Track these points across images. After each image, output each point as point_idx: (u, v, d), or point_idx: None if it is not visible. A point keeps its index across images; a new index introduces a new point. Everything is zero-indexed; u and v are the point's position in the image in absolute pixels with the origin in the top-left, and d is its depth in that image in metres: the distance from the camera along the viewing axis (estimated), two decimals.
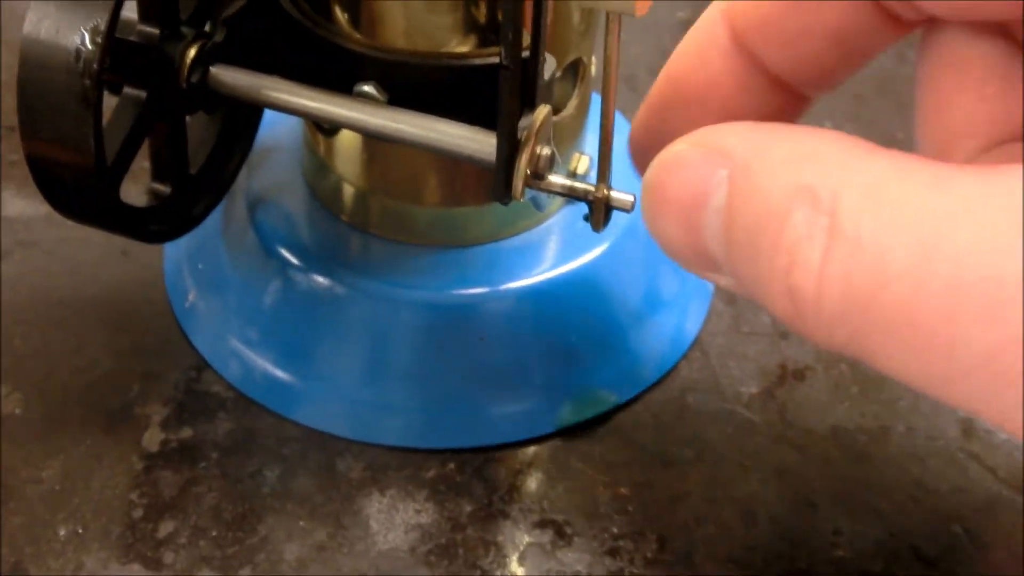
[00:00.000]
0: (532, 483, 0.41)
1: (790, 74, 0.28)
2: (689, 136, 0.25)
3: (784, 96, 0.29)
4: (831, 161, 0.22)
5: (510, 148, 0.35)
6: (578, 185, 0.36)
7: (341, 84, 0.38)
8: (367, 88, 0.38)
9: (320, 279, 0.43)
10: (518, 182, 0.35)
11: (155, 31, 0.38)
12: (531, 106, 0.36)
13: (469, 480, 0.41)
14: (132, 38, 0.38)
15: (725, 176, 0.23)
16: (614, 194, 0.36)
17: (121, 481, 0.40)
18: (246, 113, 0.43)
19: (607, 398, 0.43)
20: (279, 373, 0.43)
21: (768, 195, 0.22)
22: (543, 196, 0.37)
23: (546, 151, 0.36)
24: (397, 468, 0.41)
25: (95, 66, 0.35)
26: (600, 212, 0.36)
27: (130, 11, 0.38)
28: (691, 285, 0.47)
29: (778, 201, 0.22)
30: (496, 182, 0.36)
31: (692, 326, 0.46)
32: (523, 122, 0.37)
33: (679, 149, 0.25)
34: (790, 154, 0.23)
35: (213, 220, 0.45)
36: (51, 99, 0.35)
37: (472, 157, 0.37)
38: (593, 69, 0.43)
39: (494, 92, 0.35)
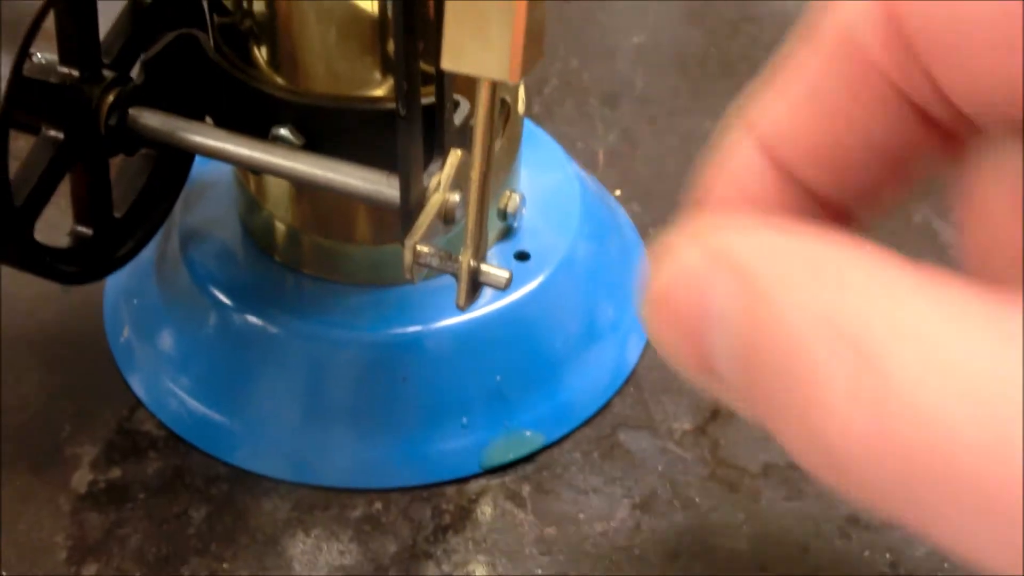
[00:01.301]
0: (458, 523, 0.41)
1: (835, 194, 0.24)
2: (691, 231, 0.22)
3: (835, 217, 0.25)
4: (864, 289, 0.19)
5: (413, 195, 0.35)
6: (450, 263, 0.35)
7: (258, 127, 0.39)
8: (283, 131, 0.38)
9: (252, 319, 0.43)
10: (415, 235, 0.35)
11: (75, 73, 0.38)
12: (441, 151, 0.36)
13: (395, 520, 0.41)
14: (51, 79, 0.38)
15: (735, 292, 0.20)
16: (486, 268, 0.35)
17: (47, 523, 0.40)
18: (176, 156, 0.43)
19: (534, 439, 0.43)
20: (211, 413, 0.43)
21: (790, 326, 0.19)
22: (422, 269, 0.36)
23: (454, 197, 0.36)
24: (323, 508, 0.41)
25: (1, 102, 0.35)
26: (465, 286, 0.35)
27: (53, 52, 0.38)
28: (629, 318, 0.47)
29: (801, 334, 0.19)
30: (404, 229, 0.36)
31: (628, 361, 0.46)
32: (433, 166, 0.37)
33: (683, 255, 0.22)
34: (813, 276, 0.19)
35: (148, 255, 0.45)
36: None
37: (385, 202, 0.37)
38: (521, 106, 0.43)
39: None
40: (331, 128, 0.38)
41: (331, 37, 0.38)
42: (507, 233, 0.44)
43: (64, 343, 0.46)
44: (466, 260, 0.35)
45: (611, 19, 0.63)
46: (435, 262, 0.35)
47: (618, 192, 0.53)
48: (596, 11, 0.63)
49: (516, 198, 0.44)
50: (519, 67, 0.31)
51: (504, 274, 0.35)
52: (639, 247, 0.50)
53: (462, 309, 0.36)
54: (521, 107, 0.43)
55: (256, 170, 0.39)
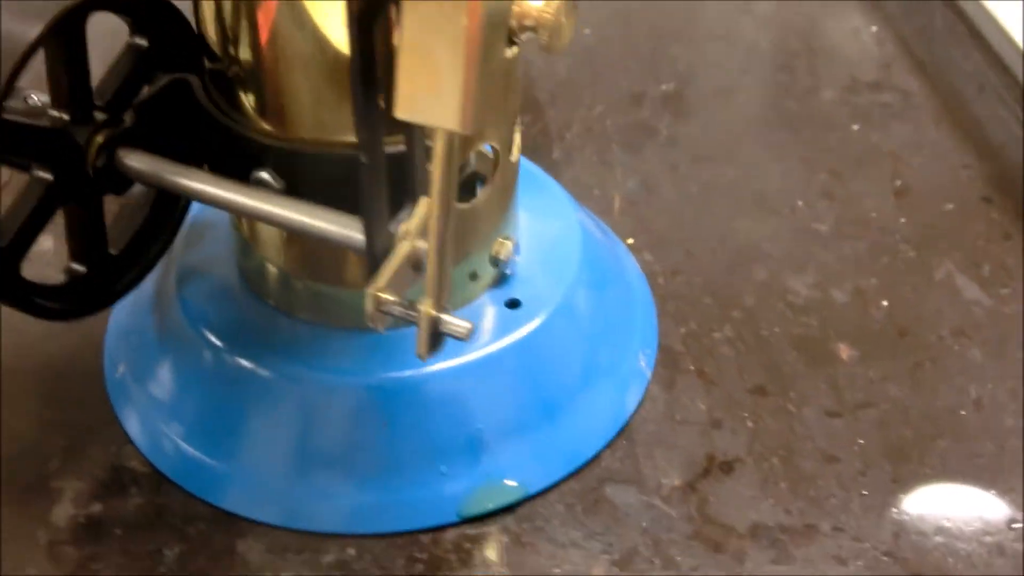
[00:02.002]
0: (430, 573, 0.40)
1: None
2: None
3: None
4: None
5: (378, 243, 0.35)
6: (411, 312, 0.35)
7: (241, 171, 0.39)
8: (263, 175, 0.39)
9: (243, 362, 0.43)
10: (378, 283, 0.35)
11: (64, 116, 0.39)
12: (412, 198, 0.36)
13: (366, 567, 0.40)
14: (40, 123, 0.39)
15: None
16: (447, 318, 0.34)
17: (23, 557, 0.41)
18: (174, 195, 0.43)
19: (515, 490, 0.42)
20: (200, 455, 0.43)
21: None
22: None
23: (423, 244, 0.36)
24: (296, 551, 0.41)
25: None
26: (425, 336, 0.34)
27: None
28: (628, 368, 0.46)
29: None
30: (369, 275, 0.36)
31: (623, 412, 0.45)
32: (404, 214, 0.37)
33: None
34: None
35: (148, 292, 0.46)
36: None
37: (357, 248, 0.37)
38: (515, 152, 0.43)
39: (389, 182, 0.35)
40: (309, 173, 0.38)
41: (310, 84, 0.38)
42: (500, 280, 0.44)
43: (64, 378, 0.47)
44: (426, 310, 0.35)
45: (640, 66, 0.62)
46: (397, 311, 0.35)
47: (631, 240, 0.52)
48: (626, 58, 0.62)
49: (508, 245, 0.43)
50: (471, 118, 0.31)
51: (465, 325, 0.35)
52: (646, 296, 0.49)
53: (422, 360, 0.36)
54: (515, 154, 0.43)
55: (235, 213, 0.39)
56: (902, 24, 0.64)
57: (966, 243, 0.52)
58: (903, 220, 0.53)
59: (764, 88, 0.61)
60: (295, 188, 0.39)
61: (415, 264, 0.36)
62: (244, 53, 0.39)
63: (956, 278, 0.50)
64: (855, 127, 0.58)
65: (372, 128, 0.33)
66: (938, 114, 0.59)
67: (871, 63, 0.62)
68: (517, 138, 0.43)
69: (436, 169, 0.33)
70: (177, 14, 0.41)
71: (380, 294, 0.35)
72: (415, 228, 0.36)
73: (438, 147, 0.33)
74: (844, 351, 0.48)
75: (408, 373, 0.41)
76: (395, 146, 0.36)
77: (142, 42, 0.41)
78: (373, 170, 0.34)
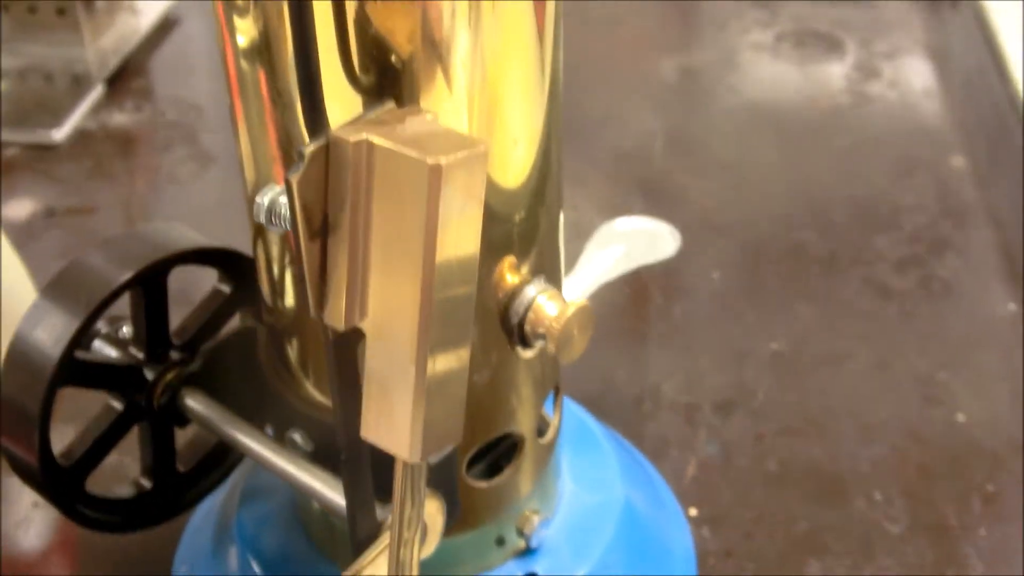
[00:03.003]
0: None
1: None
2: None
3: None
4: None
5: (360, 531, 0.37)
6: None
7: (278, 426, 0.42)
8: (295, 435, 0.42)
9: None
10: (352, 568, 0.37)
11: (140, 355, 0.43)
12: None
13: None
14: (119, 360, 0.43)
15: None
16: None
17: None
18: None
19: None
20: None
21: None
22: None
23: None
24: None
25: (48, 378, 0.40)
26: None
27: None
28: None
29: None
30: (353, 557, 0.38)
31: None
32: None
33: None
34: None
35: (221, 500, 0.49)
36: (11, 395, 0.40)
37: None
38: (551, 434, 0.44)
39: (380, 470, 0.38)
40: (332, 442, 0.41)
41: None
42: (524, 551, 0.45)
43: (137, 565, 0.51)
44: None
45: (757, 319, 0.62)
46: None
47: (694, 511, 0.52)
48: (746, 310, 0.63)
49: (535, 520, 0.45)
50: (419, 450, 0.33)
51: None
52: None
53: None
54: (549, 435, 0.44)
55: (263, 466, 0.42)
56: None
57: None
58: (982, 531, 0.51)
59: (876, 363, 0.60)
60: (322, 453, 0.41)
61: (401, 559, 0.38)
62: (287, 310, 0.41)
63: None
64: (960, 417, 0.56)
65: (351, 433, 0.36)
66: None
67: (998, 348, 0.60)
68: (555, 420, 0.45)
69: (396, 489, 0.35)
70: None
71: None
72: (396, 525, 0.38)
73: (397, 467, 0.35)
74: None
75: None
76: None
77: (225, 288, 0.45)
78: (354, 466, 0.37)
